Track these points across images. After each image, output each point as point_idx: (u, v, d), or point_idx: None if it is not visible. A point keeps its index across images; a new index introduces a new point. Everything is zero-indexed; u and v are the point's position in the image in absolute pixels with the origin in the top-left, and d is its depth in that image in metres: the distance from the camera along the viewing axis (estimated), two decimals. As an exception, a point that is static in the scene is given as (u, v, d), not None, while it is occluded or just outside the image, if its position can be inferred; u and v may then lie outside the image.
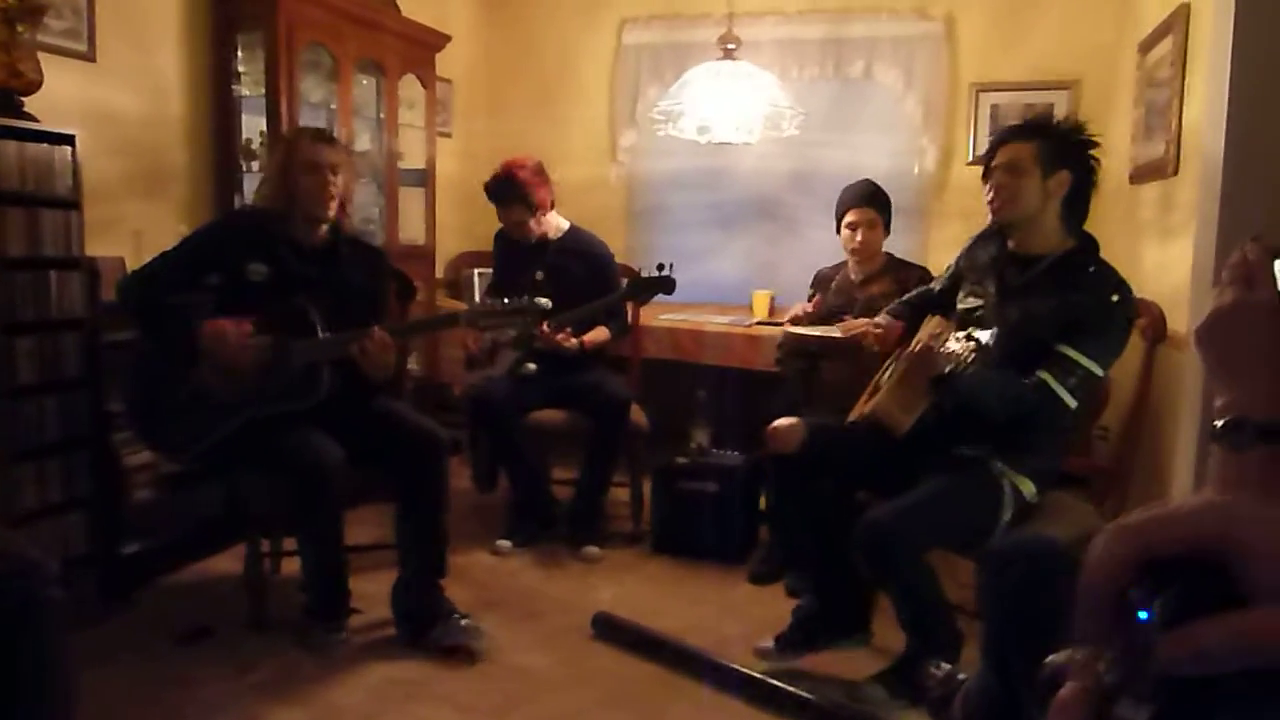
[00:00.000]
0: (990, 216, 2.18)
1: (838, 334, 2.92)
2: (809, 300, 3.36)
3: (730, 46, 3.47)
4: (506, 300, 2.47)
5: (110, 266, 2.74)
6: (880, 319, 2.52)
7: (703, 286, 4.34)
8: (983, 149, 2.42)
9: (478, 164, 4.63)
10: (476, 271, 4.37)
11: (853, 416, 2.40)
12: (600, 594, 2.87)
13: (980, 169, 2.25)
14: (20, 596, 1.50)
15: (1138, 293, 2.13)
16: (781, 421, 2.36)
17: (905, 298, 2.57)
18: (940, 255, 3.45)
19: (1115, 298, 2.04)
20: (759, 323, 3.93)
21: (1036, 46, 4.02)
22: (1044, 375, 2.02)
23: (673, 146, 4.27)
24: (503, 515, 3.41)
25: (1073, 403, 2.03)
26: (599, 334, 3.28)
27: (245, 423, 2.40)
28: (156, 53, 3.13)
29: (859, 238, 3.11)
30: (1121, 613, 0.41)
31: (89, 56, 2.84)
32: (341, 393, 2.47)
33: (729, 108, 3.44)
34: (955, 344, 2.02)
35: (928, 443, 2.17)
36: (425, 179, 4.18)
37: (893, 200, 3.20)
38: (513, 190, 3.20)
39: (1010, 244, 2.20)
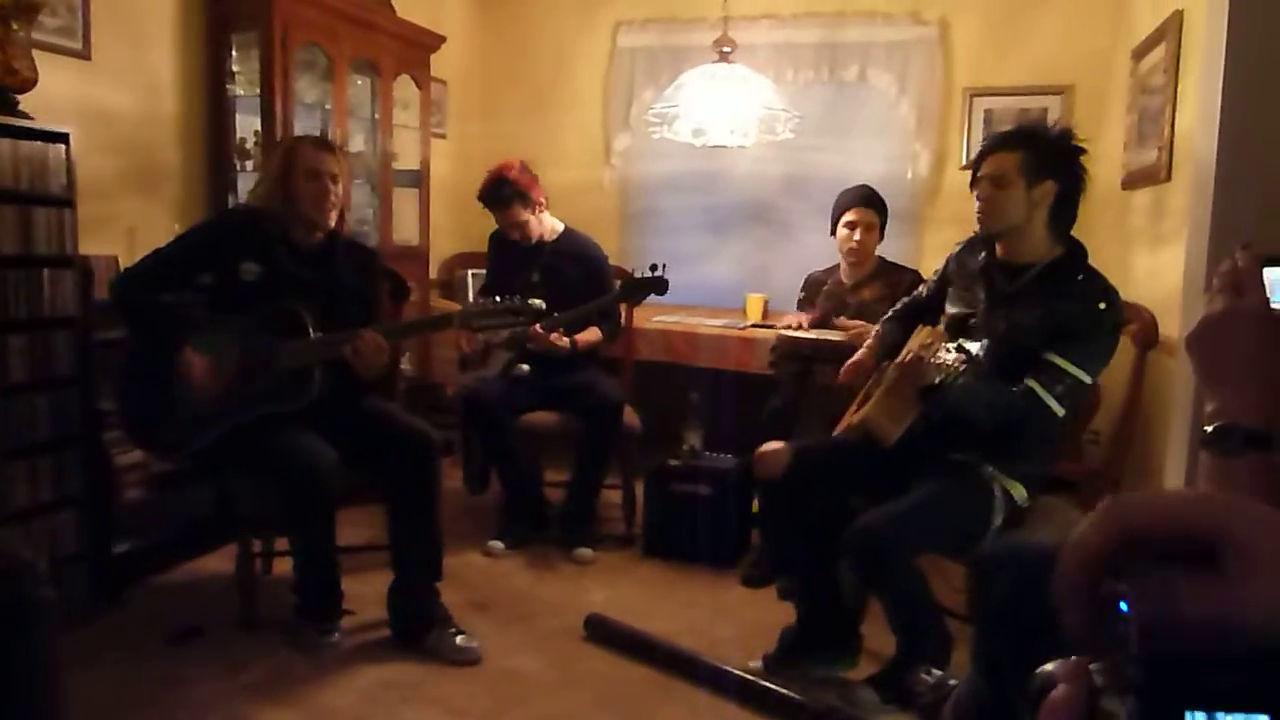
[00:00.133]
0: (977, 227, 2.19)
1: (831, 337, 2.94)
2: (798, 306, 3.37)
3: (726, 50, 3.48)
4: (500, 300, 2.47)
5: (103, 265, 2.73)
6: (867, 347, 2.50)
7: (696, 289, 4.35)
8: (976, 154, 2.43)
9: (472, 165, 4.63)
10: (470, 272, 4.37)
11: (841, 426, 2.40)
12: (592, 596, 2.87)
13: (970, 178, 2.26)
14: (11, 596, 1.50)
15: (1129, 299, 2.15)
16: (767, 447, 2.35)
17: (893, 311, 2.57)
18: (933, 260, 3.45)
19: (1103, 305, 2.05)
20: (753, 326, 3.94)
21: (1030, 52, 4.04)
22: (1032, 383, 2.02)
23: (667, 149, 4.28)
24: (494, 516, 3.41)
25: (1061, 411, 2.03)
26: (591, 334, 3.28)
27: (237, 423, 2.39)
28: (151, 51, 3.12)
29: (857, 237, 3.12)
30: (1100, 603, 0.41)
31: (84, 54, 2.83)
32: (333, 393, 2.47)
33: (724, 111, 3.45)
34: (946, 355, 2.03)
35: (918, 449, 2.18)
36: (419, 180, 4.18)
37: (887, 205, 3.22)
38: (509, 190, 3.20)
39: (999, 252, 2.21)
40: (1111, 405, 2.52)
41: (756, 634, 2.51)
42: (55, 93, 2.64)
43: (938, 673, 2.01)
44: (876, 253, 3.22)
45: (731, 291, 4.40)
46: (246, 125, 3.39)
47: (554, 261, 3.29)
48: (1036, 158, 2.09)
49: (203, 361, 2.38)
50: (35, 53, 2.49)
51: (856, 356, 2.47)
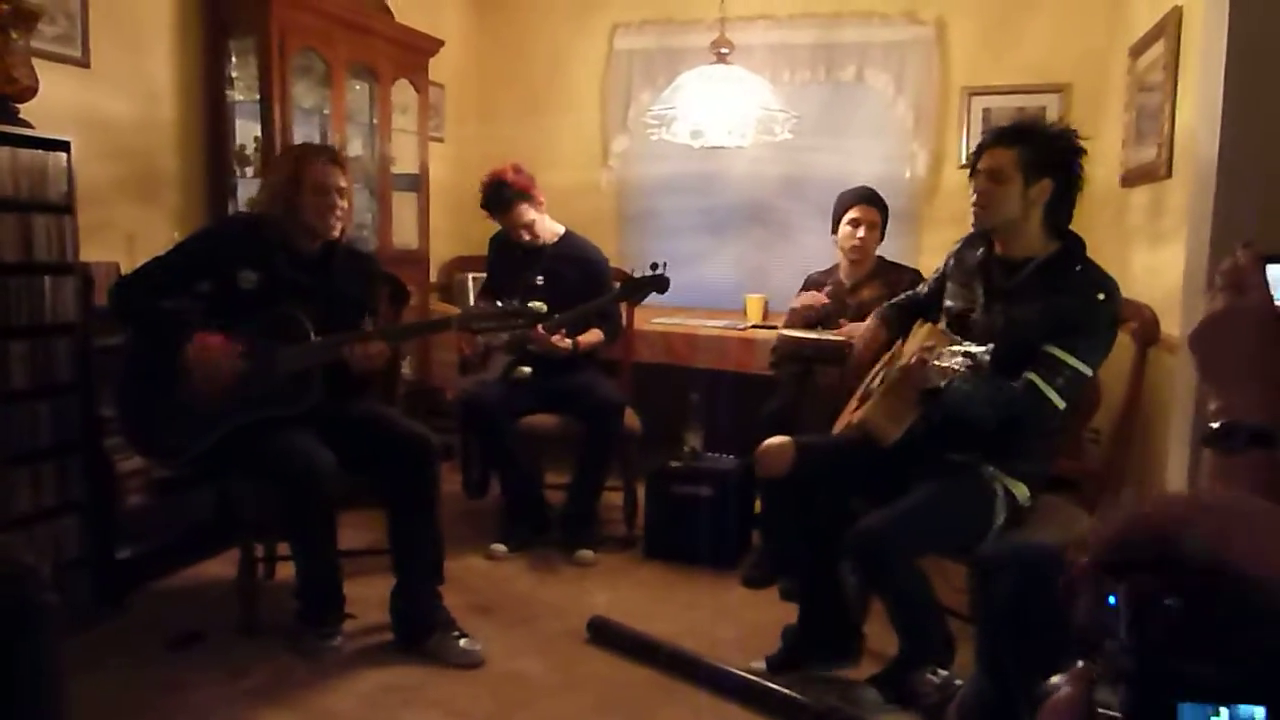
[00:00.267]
0: (972, 221, 2.19)
1: (832, 337, 2.93)
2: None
3: (723, 51, 3.48)
4: (500, 304, 2.47)
5: (103, 272, 2.73)
6: (869, 323, 2.52)
7: (694, 291, 4.35)
8: (975, 148, 2.43)
9: (470, 169, 4.63)
10: (470, 276, 4.37)
11: (840, 425, 2.40)
12: (594, 598, 2.87)
13: (968, 173, 2.27)
14: (14, 602, 1.50)
15: (1128, 296, 2.15)
16: (771, 443, 2.34)
17: (892, 302, 2.57)
18: (932, 259, 3.45)
19: (1101, 296, 2.05)
20: (753, 326, 3.94)
21: (1027, 50, 4.04)
22: (1031, 376, 2.02)
23: (664, 151, 4.29)
24: (494, 520, 3.41)
25: (1061, 403, 2.03)
26: (592, 335, 3.28)
27: (236, 428, 2.39)
28: (150, 58, 3.13)
29: (860, 234, 3.12)
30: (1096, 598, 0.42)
31: (83, 62, 2.83)
32: (330, 395, 2.47)
33: (722, 112, 3.46)
34: (949, 359, 2.02)
35: (918, 449, 2.18)
36: (418, 184, 4.18)
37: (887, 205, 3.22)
38: (510, 191, 3.21)
39: (997, 247, 2.21)
40: (1112, 403, 2.52)
41: (758, 635, 2.51)
42: (55, 101, 2.64)
43: (943, 673, 2.01)
44: (876, 252, 3.22)
45: (730, 292, 4.40)
46: (245, 131, 3.39)
47: (555, 265, 3.29)
48: (1035, 155, 2.09)
49: (217, 337, 2.37)
50: (35, 61, 2.49)
51: (868, 329, 2.48)
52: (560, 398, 3.23)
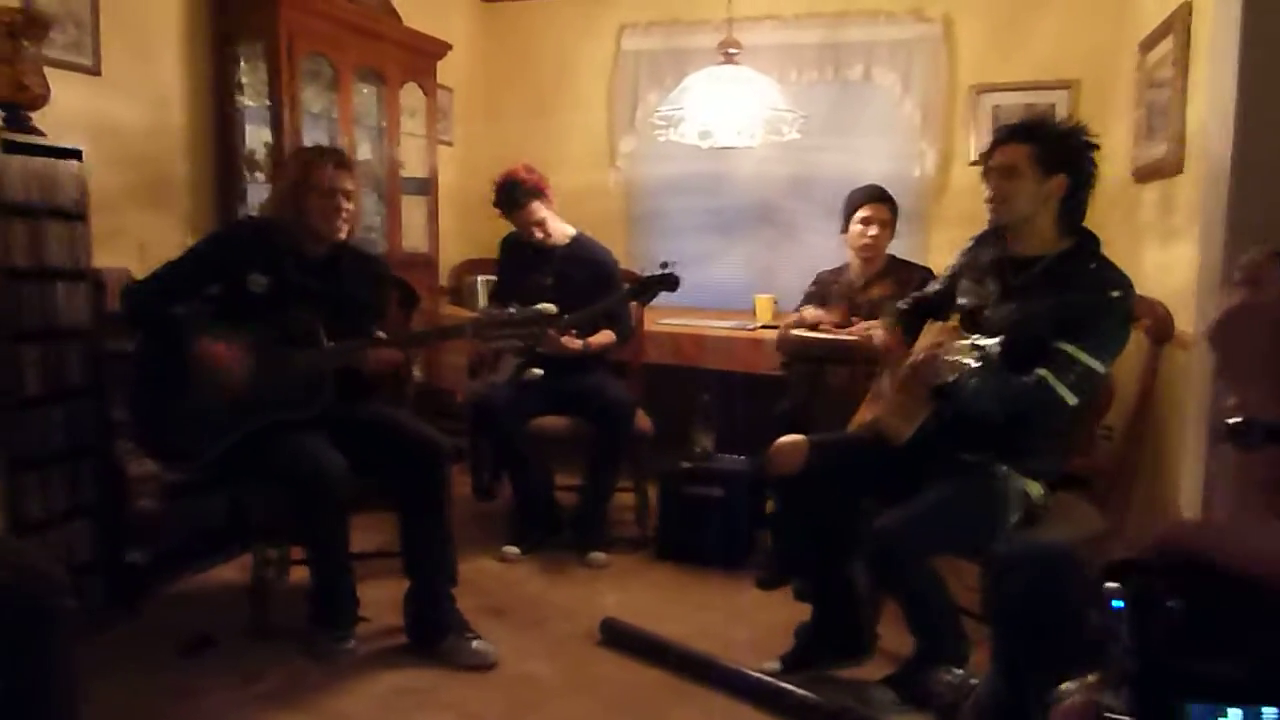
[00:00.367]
0: (988, 217, 2.18)
1: (843, 337, 2.93)
2: (804, 300, 3.35)
3: (731, 51, 3.48)
4: (513, 310, 2.47)
5: (115, 277, 2.74)
6: (880, 326, 2.51)
7: (703, 291, 4.34)
8: (984, 150, 2.42)
9: (478, 172, 4.63)
10: (480, 278, 4.38)
11: (854, 424, 2.40)
12: (606, 600, 2.87)
13: (981, 170, 2.26)
14: (30, 607, 1.50)
15: (1140, 293, 2.13)
16: (784, 441, 2.33)
17: (905, 300, 2.56)
18: (941, 258, 3.44)
19: (1115, 293, 2.04)
20: (762, 327, 3.93)
21: (1035, 47, 4.03)
22: (1043, 372, 2.01)
23: (671, 152, 4.29)
24: (504, 522, 3.41)
25: (1073, 399, 2.02)
26: (604, 336, 3.28)
27: (248, 432, 2.40)
28: (159, 65, 3.14)
29: (871, 232, 3.12)
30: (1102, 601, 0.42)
31: (93, 70, 2.85)
32: (341, 398, 2.48)
33: (729, 112, 3.45)
34: (959, 354, 2.02)
35: (930, 449, 2.17)
36: (427, 187, 4.19)
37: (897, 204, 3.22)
38: (523, 190, 3.21)
39: (1010, 245, 2.20)
40: (1125, 400, 2.51)
41: (771, 636, 2.50)
42: (66, 108, 2.65)
43: (958, 672, 2.00)
44: (887, 251, 3.21)
45: (739, 293, 4.40)
46: (255, 136, 3.40)
47: (565, 267, 3.29)
48: (1048, 151, 2.08)
49: (223, 345, 2.38)
50: (46, 69, 2.50)
51: (879, 338, 2.47)
52: (571, 399, 3.23)
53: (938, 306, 2.41)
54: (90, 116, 2.83)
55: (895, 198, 3.24)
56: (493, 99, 4.93)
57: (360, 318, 2.57)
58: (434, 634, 2.48)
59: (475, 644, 2.46)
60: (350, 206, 2.53)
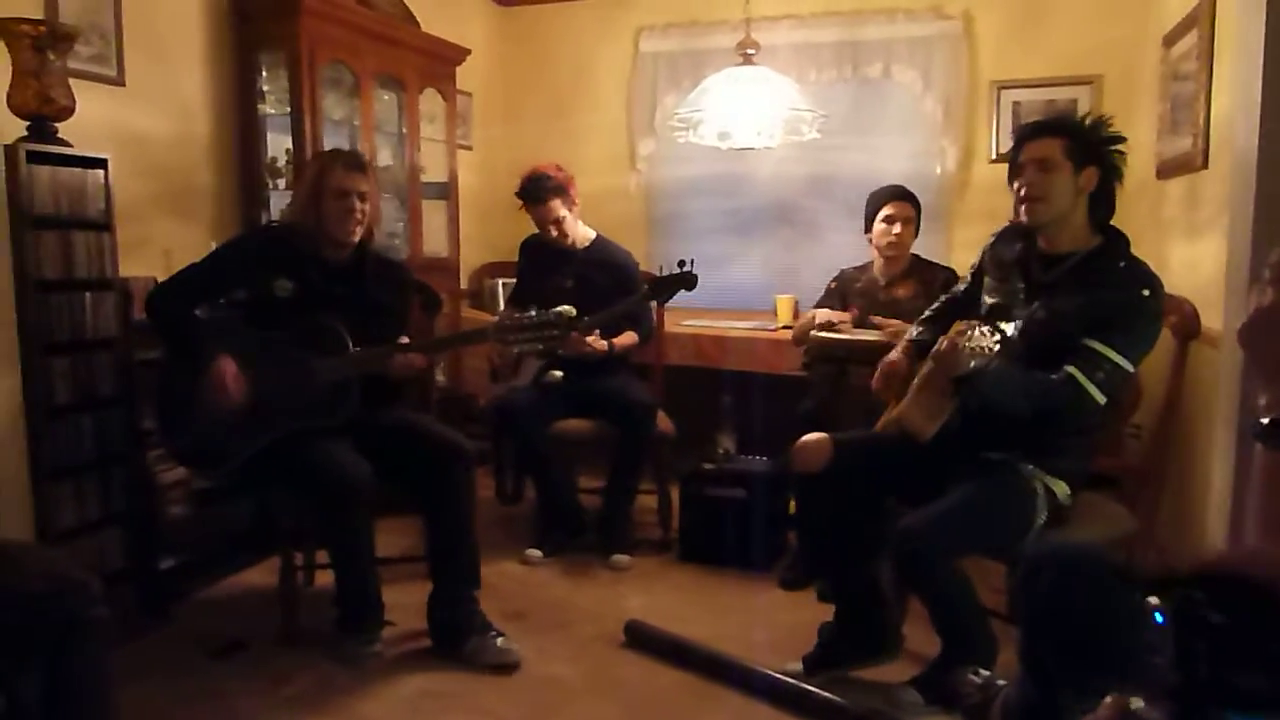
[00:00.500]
0: (1022, 215, 2.13)
1: (866, 337, 2.91)
2: (824, 296, 3.33)
3: (749, 52, 3.47)
4: (534, 314, 2.48)
5: (141, 286, 2.77)
6: (901, 349, 2.46)
7: (724, 292, 4.35)
8: (1005, 147, 2.39)
9: (497, 176, 4.67)
10: (500, 282, 4.40)
11: (880, 424, 2.38)
12: (629, 602, 2.87)
13: (1003, 167, 2.24)
14: (65, 615, 1.53)
15: (1166, 290, 2.11)
16: (808, 439, 2.32)
17: (929, 312, 2.53)
18: (964, 256, 3.43)
19: (1146, 292, 2.02)
20: (783, 327, 3.92)
21: (1057, 42, 3.99)
22: (1072, 370, 1.99)
23: (690, 153, 4.29)
24: (527, 525, 3.42)
25: (1101, 398, 2.00)
26: (628, 338, 3.28)
27: (274, 439, 2.42)
28: (183, 75, 3.18)
29: (896, 230, 3.10)
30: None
31: (118, 81, 2.88)
32: (366, 404, 2.50)
33: (749, 113, 3.44)
34: (979, 339, 1.99)
35: (955, 448, 2.15)
36: (447, 191, 4.21)
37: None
38: (549, 185, 3.23)
39: (1040, 242, 2.18)
40: (1153, 399, 2.48)
41: (794, 637, 2.49)
42: (92, 119, 2.69)
43: (985, 673, 1.98)
44: (911, 250, 3.19)
45: (759, 293, 4.39)
46: (277, 144, 3.43)
47: (585, 270, 3.30)
48: (1079, 144, 2.06)
49: (234, 368, 2.40)
50: (72, 81, 2.54)
51: (891, 357, 2.44)
52: (592, 402, 3.24)
53: (965, 306, 2.39)
54: (115, 127, 2.87)
55: (917, 196, 3.22)
56: (511, 103, 4.94)
57: (385, 324, 2.59)
58: (457, 636, 2.49)
59: (499, 641, 2.47)
60: (365, 209, 2.54)
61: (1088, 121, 2.13)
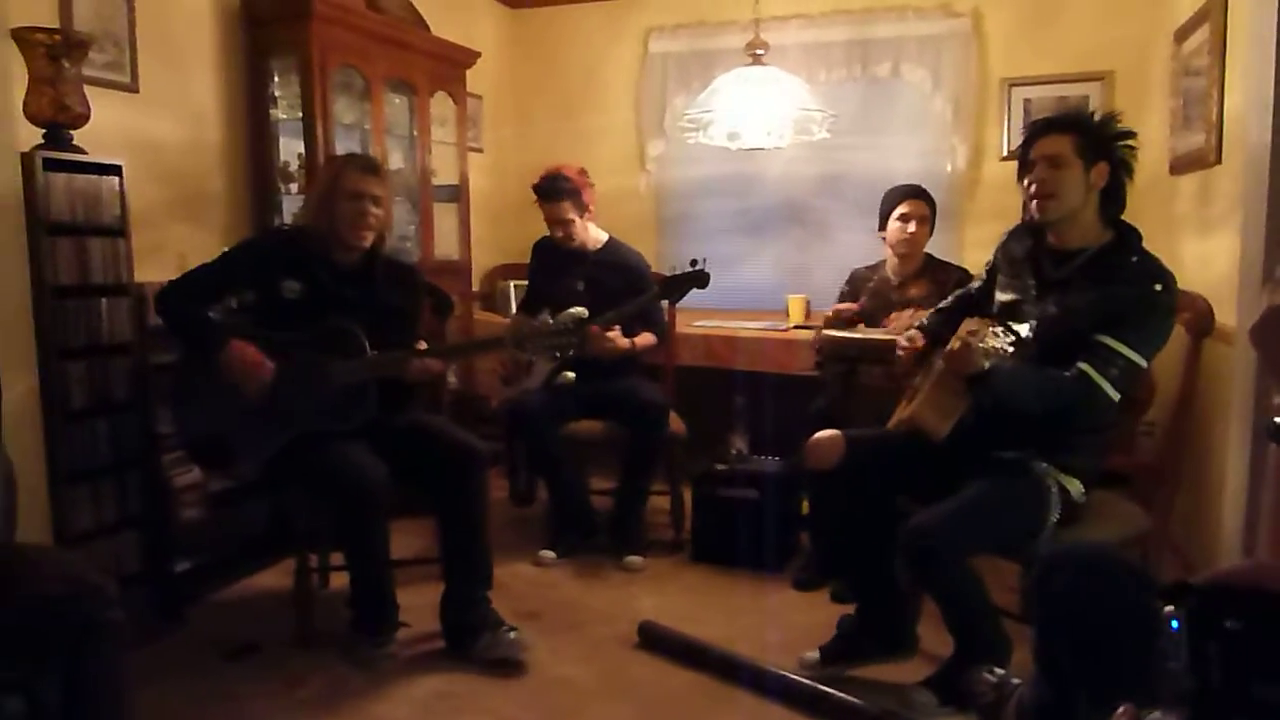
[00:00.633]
0: (1033, 212, 2.13)
1: (878, 336, 2.90)
2: (840, 299, 3.33)
3: (759, 52, 3.47)
4: (549, 319, 2.48)
5: (156, 291, 2.80)
6: (909, 334, 2.46)
7: (735, 292, 4.34)
8: (1016, 144, 2.38)
9: (508, 178, 4.68)
10: (512, 284, 4.41)
11: (893, 422, 2.38)
12: (641, 603, 2.87)
13: (1014, 164, 2.23)
14: (82, 618, 1.54)
15: (1180, 286, 2.09)
16: (821, 435, 2.33)
17: (941, 305, 2.53)
18: (975, 254, 3.42)
19: (1158, 287, 2.01)
20: (795, 327, 3.92)
21: (1067, 39, 3.98)
22: (1084, 366, 1.99)
23: (700, 154, 4.29)
24: (540, 526, 3.43)
25: (1115, 394, 1.99)
26: (646, 339, 3.29)
27: (290, 441, 2.44)
28: (195, 82, 3.20)
29: (910, 229, 3.09)
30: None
31: (132, 88, 2.91)
32: (381, 406, 2.51)
33: (759, 113, 3.44)
34: (993, 339, 1.99)
35: (968, 446, 2.15)
36: (458, 194, 4.22)
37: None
38: (565, 185, 3.23)
39: (1050, 238, 2.17)
40: (1166, 396, 2.46)
41: (808, 638, 2.49)
42: (106, 126, 2.72)
43: (999, 671, 1.97)
44: (925, 249, 3.19)
45: (771, 293, 4.39)
46: (289, 149, 3.45)
47: (597, 272, 3.31)
48: (1090, 139, 2.06)
49: (253, 348, 2.41)
50: (86, 88, 2.56)
51: (904, 341, 2.43)
52: (604, 403, 3.24)
53: (978, 303, 2.39)
54: (129, 133, 2.90)
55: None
56: (522, 105, 4.96)
57: (396, 327, 2.60)
58: (469, 636, 2.50)
59: (511, 634, 2.47)
60: (378, 212, 2.55)
61: (1097, 117, 2.13)
